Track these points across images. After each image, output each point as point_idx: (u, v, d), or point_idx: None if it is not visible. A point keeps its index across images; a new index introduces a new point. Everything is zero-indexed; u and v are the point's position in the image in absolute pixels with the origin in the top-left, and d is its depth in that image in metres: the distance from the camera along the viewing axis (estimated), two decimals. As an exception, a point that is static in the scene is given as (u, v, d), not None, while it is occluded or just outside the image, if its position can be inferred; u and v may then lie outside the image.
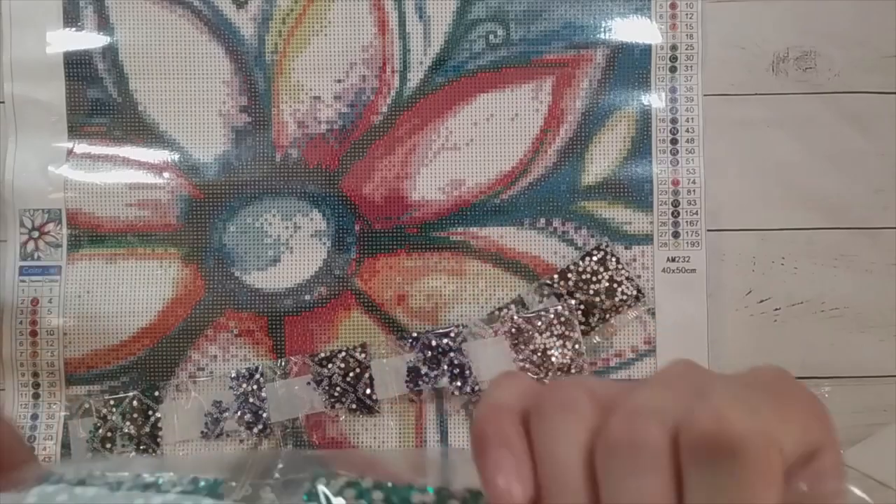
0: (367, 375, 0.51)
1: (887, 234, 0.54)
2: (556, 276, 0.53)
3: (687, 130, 0.53)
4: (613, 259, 0.53)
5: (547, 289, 0.53)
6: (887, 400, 0.54)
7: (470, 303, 0.53)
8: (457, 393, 0.51)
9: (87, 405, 0.51)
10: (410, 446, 0.52)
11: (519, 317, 0.52)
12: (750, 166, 0.54)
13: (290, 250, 0.53)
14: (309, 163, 0.53)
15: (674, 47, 0.53)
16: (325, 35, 0.53)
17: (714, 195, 0.53)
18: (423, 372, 0.51)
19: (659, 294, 0.53)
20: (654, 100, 0.53)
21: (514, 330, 0.51)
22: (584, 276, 0.52)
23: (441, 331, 0.52)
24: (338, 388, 0.51)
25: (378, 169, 0.53)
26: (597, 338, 0.53)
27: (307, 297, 0.53)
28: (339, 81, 0.53)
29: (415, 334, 0.52)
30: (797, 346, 0.54)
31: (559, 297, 0.52)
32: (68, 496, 0.24)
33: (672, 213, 0.53)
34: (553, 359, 0.51)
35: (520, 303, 0.53)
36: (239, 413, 0.51)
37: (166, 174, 0.53)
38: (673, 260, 0.53)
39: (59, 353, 0.52)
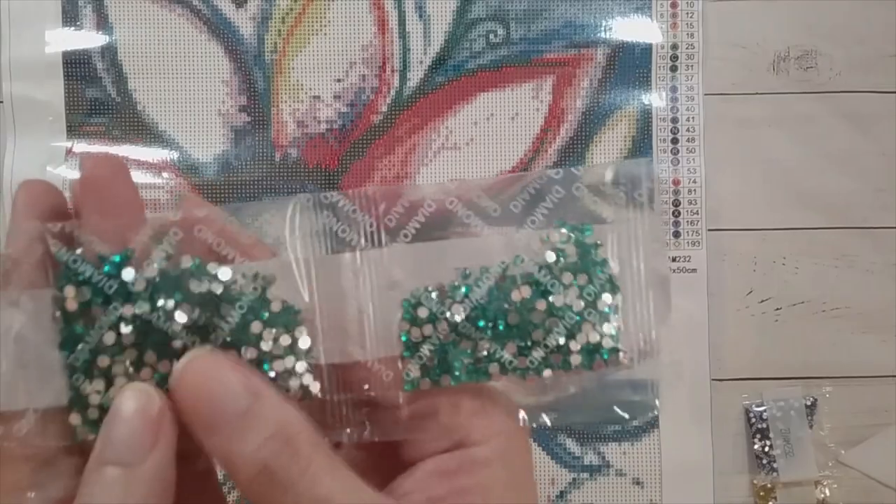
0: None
1: (888, 234, 0.54)
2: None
3: (688, 130, 0.53)
4: (614, 259, 0.52)
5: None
6: (888, 400, 0.54)
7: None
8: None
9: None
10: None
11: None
12: (751, 166, 0.54)
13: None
14: (308, 162, 0.53)
15: (674, 46, 0.53)
16: (325, 34, 0.53)
17: (715, 195, 0.53)
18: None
19: (659, 294, 0.53)
20: (655, 99, 0.53)
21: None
22: (584, 276, 0.52)
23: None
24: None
25: (378, 169, 0.53)
26: (597, 338, 0.53)
27: (307, 298, 0.53)
28: (339, 81, 0.53)
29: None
30: (798, 347, 0.54)
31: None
32: None
33: (673, 213, 0.53)
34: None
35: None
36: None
37: (165, 174, 0.53)
38: (674, 260, 0.53)
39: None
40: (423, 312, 0.22)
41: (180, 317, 0.21)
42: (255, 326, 0.21)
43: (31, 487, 0.21)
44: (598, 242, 0.22)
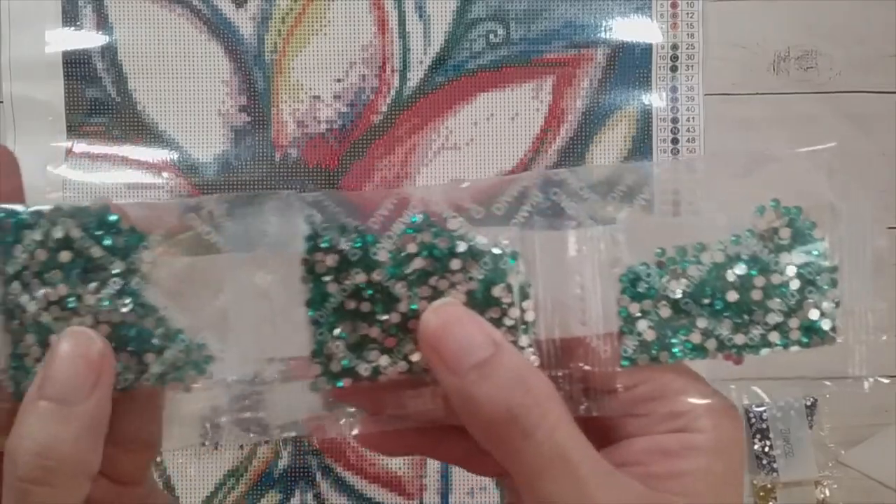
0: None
1: (888, 235, 0.54)
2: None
3: (688, 130, 0.53)
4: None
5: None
6: (888, 400, 0.54)
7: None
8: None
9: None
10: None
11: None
12: (751, 166, 0.54)
13: (289, 250, 0.53)
14: (308, 162, 0.53)
15: (674, 46, 0.53)
16: (325, 34, 0.53)
17: (715, 195, 0.53)
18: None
19: (659, 294, 0.53)
20: (655, 99, 0.53)
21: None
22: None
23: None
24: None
25: (378, 169, 0.53)
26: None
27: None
28: (339, 81, 0.53)
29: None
30: (798, 346, 0.54)
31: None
32: None
33: (673, 213, 0.53)
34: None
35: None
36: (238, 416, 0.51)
37: (165, 174, 0.53)
38: (673, 260, 0.53)
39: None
40: (641, 287, 0.22)
41: (417, 284, 0.22)
42: (496, 292, 0.21)
43: None
44: (814, 222, 0.23)
